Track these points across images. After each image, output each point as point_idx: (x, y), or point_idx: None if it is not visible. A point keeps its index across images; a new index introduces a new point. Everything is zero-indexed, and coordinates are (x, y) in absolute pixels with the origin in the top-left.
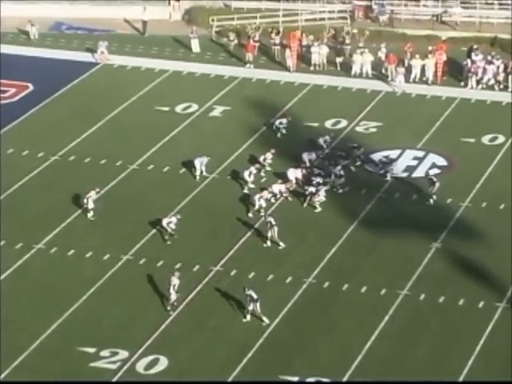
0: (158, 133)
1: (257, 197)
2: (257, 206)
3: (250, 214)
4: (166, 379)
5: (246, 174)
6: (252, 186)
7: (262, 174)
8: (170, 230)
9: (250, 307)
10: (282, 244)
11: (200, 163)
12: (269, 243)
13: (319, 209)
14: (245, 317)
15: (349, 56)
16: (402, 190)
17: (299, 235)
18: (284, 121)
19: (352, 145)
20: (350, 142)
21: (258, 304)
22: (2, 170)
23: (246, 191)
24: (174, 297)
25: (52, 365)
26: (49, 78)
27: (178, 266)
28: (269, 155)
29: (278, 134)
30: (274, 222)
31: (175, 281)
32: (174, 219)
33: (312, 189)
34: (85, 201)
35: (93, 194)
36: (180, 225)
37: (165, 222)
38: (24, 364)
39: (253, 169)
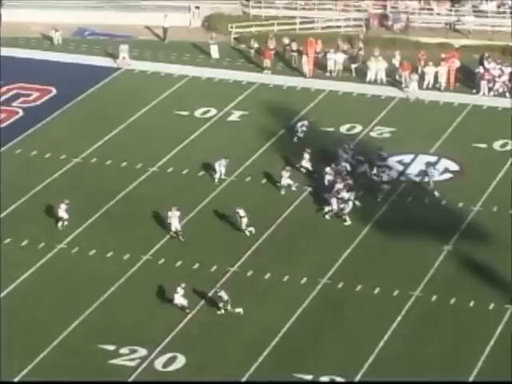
0: (178, 136)
1: (333, 199)
2: (334, 207)
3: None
4: (183, 377)
5: (284, 179)
6: (288, 185)
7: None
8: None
9: (221, 305)
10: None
11: (219, 165)
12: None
13: (349, 222)
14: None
15: (364, 63)
16: (414, 193)
17: (314, 237)
18: (306, 123)
19: (380, 152)
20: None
21: (228, 304)
22: (25, 172)
23: (282, 193)
24: (185, 303)
25: (73, 361)
26: (71, 83)
27: (196, 266)
28: (306, 156)
29: (295, 138)
30: (242, 214)
31: (181, 291)
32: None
33: (343, 204)
34: (57, 211)
35: (63, 206)
36: (198, 226)
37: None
38: (46, 360)
39: (285, 172)
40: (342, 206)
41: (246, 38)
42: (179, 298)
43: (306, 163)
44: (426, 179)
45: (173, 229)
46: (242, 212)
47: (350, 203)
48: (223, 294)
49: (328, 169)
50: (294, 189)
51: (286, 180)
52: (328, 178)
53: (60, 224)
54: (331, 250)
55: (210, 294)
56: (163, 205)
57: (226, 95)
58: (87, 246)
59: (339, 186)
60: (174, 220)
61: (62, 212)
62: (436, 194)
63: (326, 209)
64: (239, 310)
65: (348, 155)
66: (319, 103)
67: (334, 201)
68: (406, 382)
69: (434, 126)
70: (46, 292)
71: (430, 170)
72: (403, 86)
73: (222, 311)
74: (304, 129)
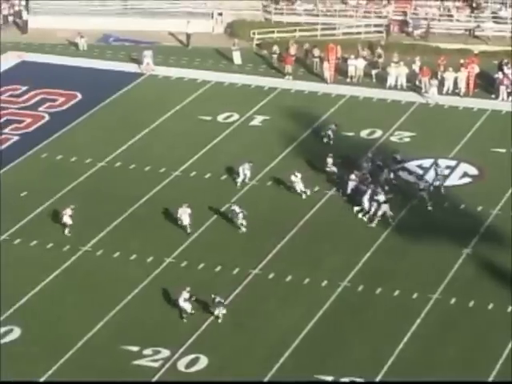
0: (201, 141)
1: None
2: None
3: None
4: (205, 377)
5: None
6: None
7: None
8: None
9: (216, 312)
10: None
11: (243, 169)
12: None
13: (374, 224)
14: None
15: (384, 68)
16: (434, 197)
17: (335, 240)
18: (333, 126)
19: (394, 155)
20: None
21: (223, 308)
22: (51, 175)
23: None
24: (188, 308)
25: (97, 362)
26: (96, 88)
27: (218, 268)
28: (329, 160)
29: (325, 140)
30: (238, 210)
31: (185, 295)
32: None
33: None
34: (61, 216)
35: (68, 211)
36: (220, 229)
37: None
38: (71, 361)
39: (294, 177)
40: (373, 207)
41: (267, 44)
42: (183, 302)
43: (331, 167)
44: (437, 182)
45: (184, 223)
46: (237, 208)
47: (384, 206)
48: (219, 299)
49: (353, 176)
50: (308, 194)
51: (299, 185)
52: (352, 184)
53: (67, 231)
54: (351, 254)
55: (230, 298)
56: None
57: (248, 100)
58: (111, 248)
59: (375, 188)
60: (185, 217)
61: (67, 218)
62: (442, 190)
63: (357, 208)
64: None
65: (371, 165)
66: (340, 108)
67: (365, 201)
68: (425, 383)
69: (453, 130)
70: (71, 293)
71: (439, 169)
72: (423, 91)
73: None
74: (332, 132)
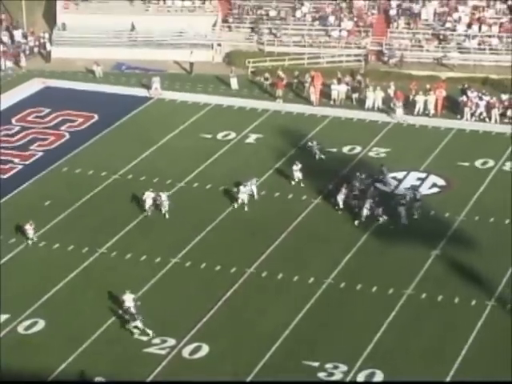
0: (202, 156)
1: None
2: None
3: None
4: (207, 363)
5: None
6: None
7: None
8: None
9: (133, 324)
10: None
11: (250, 184)
12: None
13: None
14: (132, 333)
15: (363, 93)
16: (406, 205)
17: (320, 243)
18: (315, 143)
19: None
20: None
21: (139, 321)
22: (71, 187)
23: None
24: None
25: (112, 350)
26: (111, 110)
27: (218, 268)
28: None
29: (316, 157)
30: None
31: (128, 300)
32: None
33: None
34: (25, 230)
35: (28, 227)
36: (220, 233)
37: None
38: (89, 349)
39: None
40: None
41: (261, 71)
42: (127, 303)
43: (297, 173)
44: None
45: (146, 207)
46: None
47: (365, 210)
48: (132, 308)
49: (343, 189)
50: (302, 185)
51: (297, 173)
52: (341, 196)
53: (30, 242)
54: (335, 255)
55: (228, 294)
56: (190, 215)
57: (244, 121)
58: (124, 250)
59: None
60: (149, 200)
61: (30, 231)
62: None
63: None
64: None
65: (360, 184)
66: (324, 127)
67: (366, 208)
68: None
69: (423, 147)
70: (89, 290)
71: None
72: (396, 113)
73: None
74: (318, 148)
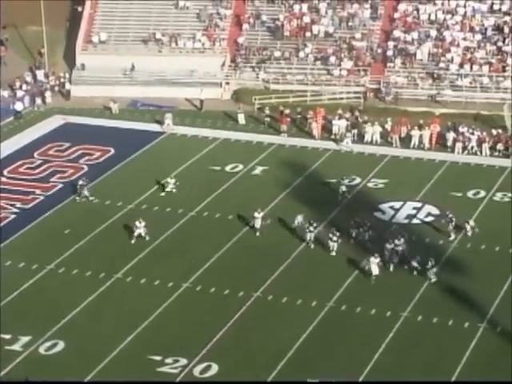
0: (211, 187)
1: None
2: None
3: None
4: (216, 381)
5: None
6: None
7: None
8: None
9: None
10: None
11: (297, 220)
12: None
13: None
14: None
15: (362, 127)
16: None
17: (322, 269)
18: (346, 182)
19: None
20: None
21: None
22: (89, 216)
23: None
24: None
25: (127, 369)
26: (127, 144)
27: (226, 292)
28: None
29: (339, 197)
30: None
31: None
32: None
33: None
34: None
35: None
36: (229, 258)
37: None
38: (106, 368)
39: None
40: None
41: (266, 108)
42: None
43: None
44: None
45: (136, 234)
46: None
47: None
48: None
49: (352, 224)
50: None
51: (257, 221)
52: (352, 230)
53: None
54: (336, 280)
55: (236, 316)
56: (200, 242)
57: (250, 154)
58: (138, 275)
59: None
60: (140, 230)
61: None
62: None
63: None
64: None
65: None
66: (326, 160)
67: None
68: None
69: (419, 178)
70: (106, 313)
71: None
72: (394, 146)
73: None
74: (345, 188)
